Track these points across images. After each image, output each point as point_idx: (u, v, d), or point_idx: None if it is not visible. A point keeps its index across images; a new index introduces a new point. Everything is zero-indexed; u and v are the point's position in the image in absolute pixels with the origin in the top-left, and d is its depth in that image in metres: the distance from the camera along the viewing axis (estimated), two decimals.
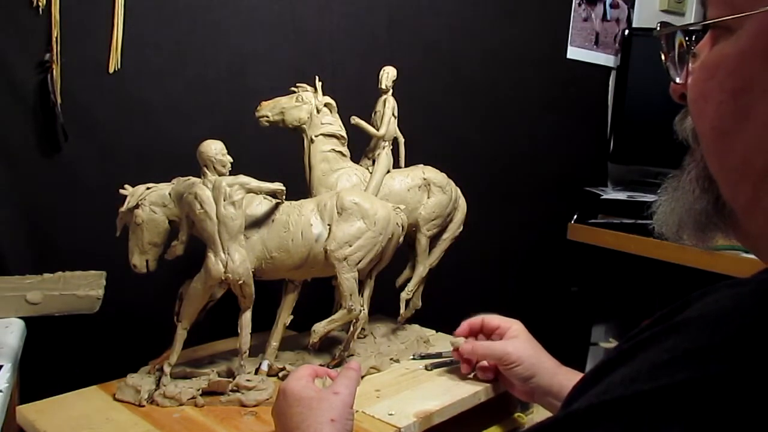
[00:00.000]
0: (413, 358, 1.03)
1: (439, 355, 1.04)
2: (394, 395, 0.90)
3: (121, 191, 0.88)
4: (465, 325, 0.98)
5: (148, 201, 0.87)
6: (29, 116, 0.98)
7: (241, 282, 0.85)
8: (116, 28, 1.02)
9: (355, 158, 1.06)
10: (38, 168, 0.99)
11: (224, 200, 0.84)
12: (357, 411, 0.81)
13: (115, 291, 0.96)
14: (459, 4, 1.47)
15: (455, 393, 0.92)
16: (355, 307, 0.90)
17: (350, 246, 0.88)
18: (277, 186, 0.87)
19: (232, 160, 0.87)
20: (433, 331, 1.15)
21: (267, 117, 0.98)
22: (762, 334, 0.31)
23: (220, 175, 0.86)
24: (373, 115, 1.07)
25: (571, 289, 1.80)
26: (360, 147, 1.07)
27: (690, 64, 0.42)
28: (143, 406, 0.84)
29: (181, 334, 0.88)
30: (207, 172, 0.86)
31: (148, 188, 0.89)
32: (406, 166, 1.10)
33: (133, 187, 0.89)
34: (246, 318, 0.89)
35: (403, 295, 1.05)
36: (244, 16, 1.16)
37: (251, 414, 0.84)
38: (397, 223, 0.94)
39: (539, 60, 1.65)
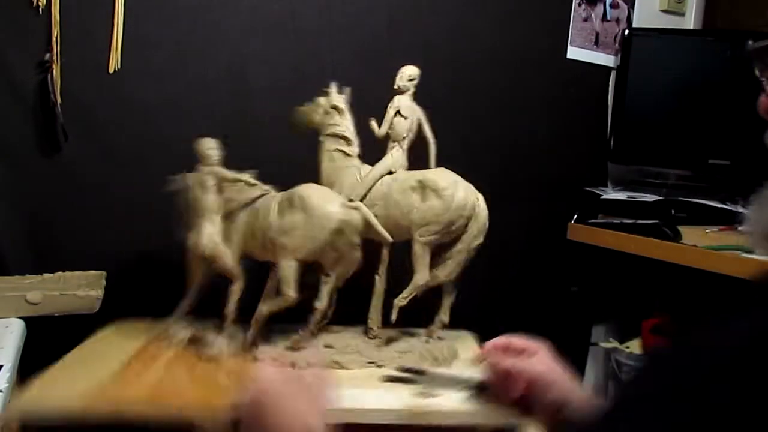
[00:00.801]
0: (398, 369, 0.97)
1: (421, 372, 0.97)
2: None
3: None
4: (490, 344, 0.90)
5: None
6: (29, 116, 0.98)
7: (213, 255, 0.95)
8: (116, 28, 1.02)
9: (369, 159, 1.06)
10: (38, 168, 0.99)
11: (199, 186, 0.95)
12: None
13: (115, 291, 0.96)
14: (459, 4, 1.47)
15: (374, 401, 0.88)
16: (290, 294, 0.93)
17: (287, 235, 0.92)
18: (245, 177, 0.96)
19: (219, 155, 0.97)
20: (472, 351, 1.05)
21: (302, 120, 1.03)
22: None
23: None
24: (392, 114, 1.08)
25: (571, 289, 1.80)
26: (372, 149, 1.08)
27: None
28: None
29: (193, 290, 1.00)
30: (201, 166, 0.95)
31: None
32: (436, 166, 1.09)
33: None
34: (232, 289, 0.97)
35: (396, 302, 1.01)
36: (244, 16, 1.16)
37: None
38: (347, 220, 0.93)
39: (539, 60, 1.65)
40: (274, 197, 0.97)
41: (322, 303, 0.97)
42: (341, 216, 0.93)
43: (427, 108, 1.44)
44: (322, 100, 1.03)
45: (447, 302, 1.07)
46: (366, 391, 0.91)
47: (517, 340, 0.89)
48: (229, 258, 0.97)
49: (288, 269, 0.92)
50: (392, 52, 1.33)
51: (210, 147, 0.97)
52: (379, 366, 0.99)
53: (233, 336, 0.97)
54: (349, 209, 0.94)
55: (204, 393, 0.82)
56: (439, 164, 1.11)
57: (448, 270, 1.03)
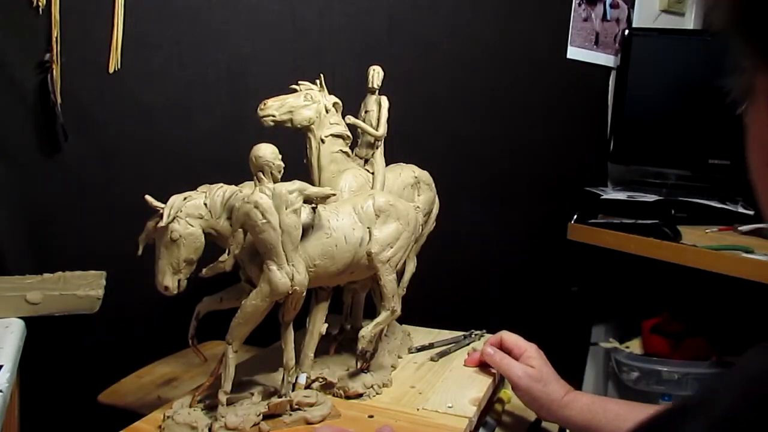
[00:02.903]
0: (411, 352, 1.04)
1: (431, 345, 1.06)
2: (433, 389, 0.91)
3: (151, 202, 0.78)
4: (487, 342, 1.00)
5: (185, 213, 0.78)
6: (29, 116, 0.98)
7: (302, 295, 0.81)
8: (116, 28, 1.02)
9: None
10: (38, 168, 0.99)
11: (286, 208, 0.78)
12: (418, 409, 0.84)
13: (115, 291, 0.96)
14: (459, 4, 1.47)
15: (480, 377, 0.95)
16: (397, 308, 0.90)
17: (392, 248, 0.88)
18: (330, 191, 0.83)
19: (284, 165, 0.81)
20: (411, 327, 1.15)
21: (273, 117, 0.91)
22: None
23: (275, 181, 0.79)
24: (362, 114, 1.05)
25: (571, 289, 1.80)
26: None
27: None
28: None
29: (233, 358, 0.80)
30: (263, 178, 0.79)
31: (184, 198, 0.79)
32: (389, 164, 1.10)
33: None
34: (291, 332, 0.84)
35: (399, 292, 1.04)
36: (244, 16, 1.16)
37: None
38: (419, 222, 0.94)
39: (539, 60, 1.65)
40: (332, 212, 0.86)
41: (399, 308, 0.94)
42: (420, 218, 0.94)
43: (427, 108, 1.45)
44: (315, 95, 0.94)
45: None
46: (451, 373, 0.97)
47: (508, 337, 0.97)
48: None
49: (393, 283, 0.89)
50: (392, 52, 1.33)
51: (278, 155, 0.79)
52: (401, 355, 1.03)
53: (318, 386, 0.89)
54: (418, 210, 0.95)
55: None
56: (439, 164, 1.11)
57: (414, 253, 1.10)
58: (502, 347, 0.96)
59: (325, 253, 0.83)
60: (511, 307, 1.66)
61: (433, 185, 1.08)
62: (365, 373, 0.91)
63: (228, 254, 0.80)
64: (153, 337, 1.08)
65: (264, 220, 0.77)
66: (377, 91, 1.04)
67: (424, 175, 1.07)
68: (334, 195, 0.84)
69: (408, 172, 1.06)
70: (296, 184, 0.80)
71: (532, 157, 1.68)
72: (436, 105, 1.47)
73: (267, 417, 0.81)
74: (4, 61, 0.95)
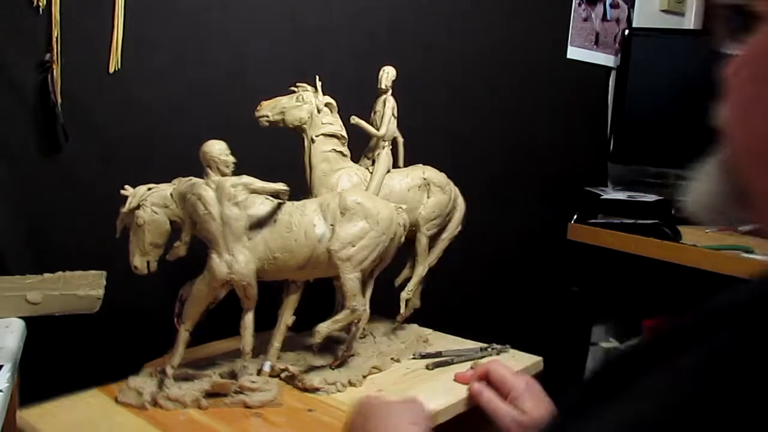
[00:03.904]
0: (414, 358, 1.04)
1: (438, 354, 1.05)
2: (397, 395, 0.90)
3: (122, 192, 0.87)
4: (473, 373, 0.92)
5: (150, 202, 0.87)
6: (29, 116, 0.97)
7: (245, 283, 0.85)
8: (116, 28, 1.02)
9: (355, 158, 1.06)
10: (38, 168, 0.99)
11: (228, 201, 0.84)
12: None
13: (115, 291, 0.96)
14: (459, 4, 1.47)
15: (458, 392, 0.92)
16: (358, 308, 0.90)
17: (353, 246, 0.88)
18: (281, 186, 0.87)
19: (235, 161, 0.87)
20: (431, 330, 1.15)
21: (267, 117, 0.98)
22: None
23: (223, 176, 0.85)
24: (372, 114, 1.07)
25: (571, 289, 1.80)
26: (359, 147, 1.07)
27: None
28: (146, 408, 0.84)
29: (183, 336, 0.88)
30: (210, 172, 0.86)
31: (149, 189, 0.88)
32: (405, 165, 1.10)
33: (133, 187, 0.89)
34: (248, 319, 0.88)
35: (404, 295, 1.05)
36: (244, 16, 1.16)
37: (257, 415, 0.83)
38: (399, 223, 0.94)
39: (539, 60, 1.65)
40: (298, 208, 0.89)
41: (366, 308, 0.93)
42: (400, 220, 0.94)
43: (427, 108, 1.45)
44: (307, 96, 0.98)
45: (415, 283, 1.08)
46: (433, 383, 0.96)
47: (496, 369, 0.86)
48: (255, 286, 0.87)
49: (354, 282, 0.89)
50: (392, 53, 1.33)
51: (225, 152, 0.86)
52: (398, 360, 1.02)
53: (267, 371, 0.92)
54: (400, 211, 0.95)
55: None
56: (438, 164, 1.11)
57: (433, 257, 1.09)
58: (489, 381, 0.87)
59: (285, 247, 0.87)
60: (512, 307, 1.66)
61: (450, 188, 1.08)
62: (333, 369, 0.93)
63: (180, 241, 0.88)
64: (153, 337, 1.08)
65: (205, 211, 0.83)
66: (388, 92, 1.05)
67: (437, 177, 1.06)
68: (286, 190, 0.87)
69: (417, 174, 1.06)
70: (243, 178, 0.86)
71: (532, 157, 1.68)
72: (436, 105, 1.47)
73: (211, 395, 0.85)
74: (4, 61, 0.95)
